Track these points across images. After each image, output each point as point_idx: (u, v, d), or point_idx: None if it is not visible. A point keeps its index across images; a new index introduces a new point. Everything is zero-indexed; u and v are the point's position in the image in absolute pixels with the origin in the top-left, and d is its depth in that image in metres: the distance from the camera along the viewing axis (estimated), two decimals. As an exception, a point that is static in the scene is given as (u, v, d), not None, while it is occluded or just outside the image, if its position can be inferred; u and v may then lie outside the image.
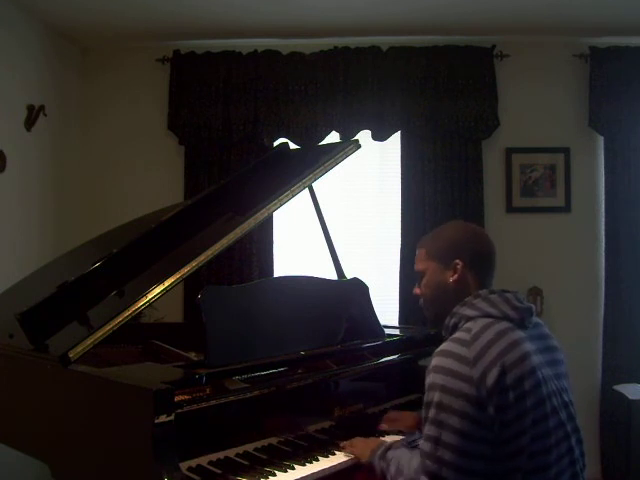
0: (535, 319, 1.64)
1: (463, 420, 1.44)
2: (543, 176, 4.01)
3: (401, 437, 1.97)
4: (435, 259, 1.71)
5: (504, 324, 1.55)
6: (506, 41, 3.98)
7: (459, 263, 1.66)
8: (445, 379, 1.48)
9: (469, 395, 1.45)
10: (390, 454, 1.69)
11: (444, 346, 1.55)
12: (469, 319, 1.59)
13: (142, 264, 2.17)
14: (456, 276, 1.67)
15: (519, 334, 1.54)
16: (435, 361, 1.53)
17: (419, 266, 1.76)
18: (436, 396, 1.48)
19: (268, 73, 4.03)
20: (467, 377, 1.46)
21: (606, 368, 3.84)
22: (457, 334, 1.57)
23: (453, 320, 1.64)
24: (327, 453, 1.87)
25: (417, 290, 1.78)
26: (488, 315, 1.57)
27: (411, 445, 1.76)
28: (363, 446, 1.84)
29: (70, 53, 4.15)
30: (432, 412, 1.48)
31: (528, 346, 1.54)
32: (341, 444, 1.90)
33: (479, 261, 1.68)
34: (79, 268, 2.14)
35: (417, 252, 1.78)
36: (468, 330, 1.55)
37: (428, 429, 1.49)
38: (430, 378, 1.52)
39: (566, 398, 1.58)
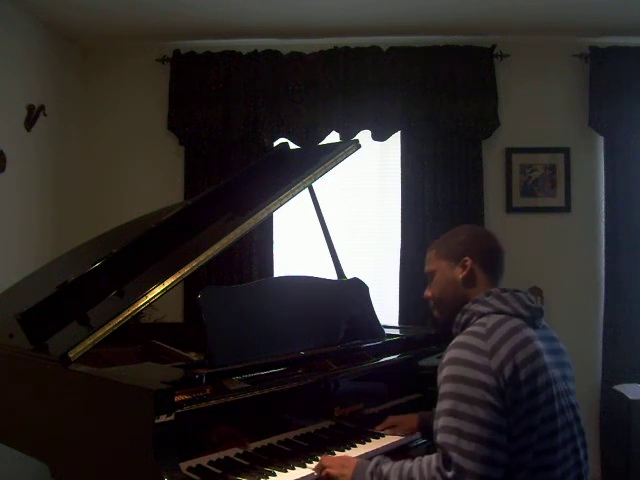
0: (543, 321, 1.67)
1: (484, 409, 1.42)
2: (543, 176, 4.01)
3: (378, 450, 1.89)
4: (445, 258, 1.73)
5: (516, 321, 1.57)
6: (506, 41, 3.98)
7: (468, 260, 1.69)
8: (463, 369, 1.46)
9: (488, 384, 1.44)
10: (385, 468, 1.56)
11: (459, 339, 1.54)
12: (482, 315, 1.59)
13: (142, 264, 2.18)
14: (465, 272, 1.68)
15: (531, 332, 1.56)
16: (450, 354, 1.52)
17: (429, 267, 1.78)
18: (454, 387, 1.46)
19: (268, 73, 4.03)
20: (485, 367, 1.45)
21: (606, 368, 3.84)
22: (471, 327, 1.57)
23: (465, 316, 1.64)
24: (327, 453, 1.86)
25: (428, 292, 1.78)
26: (501, 312, 1.58)
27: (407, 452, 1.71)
28: (339, 464, 1.68)
29: (70, 53, 4.15)
30: (450, 403, 1.45)
31: (539, 344, 1.55)
32: (309, 467, 1.75)
33: (488, 259, 1.71)
34: (79, 268, 2.14)
35: (427, 254, 1.80)
36: (482, 324, 1.55)
37: (447, 421, 1.44)
38: (445, 371, 1.50)
39: (572, 400, 1.59)
